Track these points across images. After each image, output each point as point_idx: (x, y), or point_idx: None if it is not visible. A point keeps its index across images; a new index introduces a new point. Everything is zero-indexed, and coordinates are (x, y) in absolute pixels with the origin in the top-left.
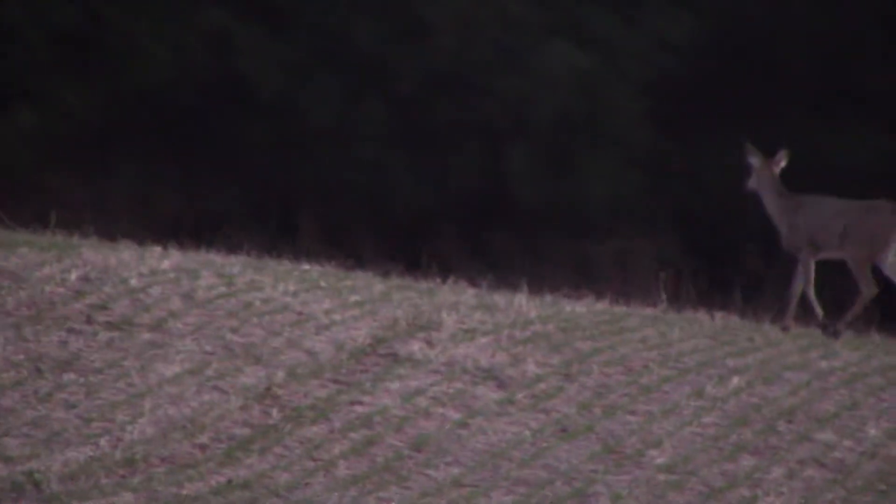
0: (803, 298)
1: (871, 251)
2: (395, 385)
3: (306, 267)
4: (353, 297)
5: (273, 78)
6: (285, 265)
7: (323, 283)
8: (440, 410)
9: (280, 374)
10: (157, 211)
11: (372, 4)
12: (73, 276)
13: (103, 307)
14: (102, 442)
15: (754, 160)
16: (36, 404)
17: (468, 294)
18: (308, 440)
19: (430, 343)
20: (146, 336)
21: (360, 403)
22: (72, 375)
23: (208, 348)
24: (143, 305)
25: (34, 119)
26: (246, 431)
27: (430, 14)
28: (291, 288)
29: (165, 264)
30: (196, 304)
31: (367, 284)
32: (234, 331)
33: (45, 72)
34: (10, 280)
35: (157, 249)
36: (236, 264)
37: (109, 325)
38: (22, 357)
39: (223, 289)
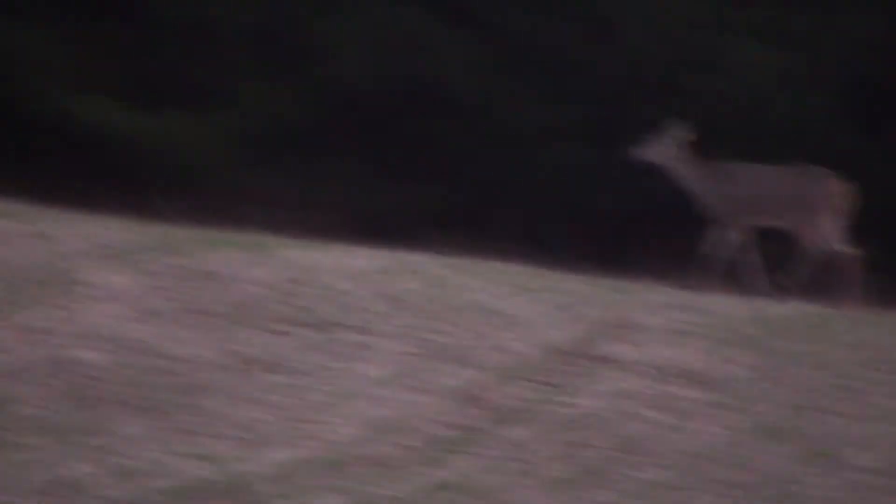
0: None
1: (810, 218)
2: (600, 387)
3: (511, 268)
4: (559, 299)
5: (467, 78)
6: (490, 266)
7: (528, 284)
8: (647, 412)
9: (485, 376)
10: (362, 212)
11: (566, 6)
12: (279, 277)
13: (309, 309)
14: (309, 444)
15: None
16: (243, 406)
17: (674, 295)
18: (513, 442)
19: (636, 344)
20: (352, 337)
21: (566, 405)
22: (278, 377)
23: (413, 350)
24: (349, 307)
25: (233, 119)
26: (451, 433)
27: (622, 14)
28: (496, 289)
29: (370, 265)
30: (400, 305)
31: (572, 286)
32: (438, 332)
33: (243, 72)
34: (216, 281)
35: (363, 250)
36: (441, 265)
37: (315, 327)
38: (228, 359)
39: (428, 290)
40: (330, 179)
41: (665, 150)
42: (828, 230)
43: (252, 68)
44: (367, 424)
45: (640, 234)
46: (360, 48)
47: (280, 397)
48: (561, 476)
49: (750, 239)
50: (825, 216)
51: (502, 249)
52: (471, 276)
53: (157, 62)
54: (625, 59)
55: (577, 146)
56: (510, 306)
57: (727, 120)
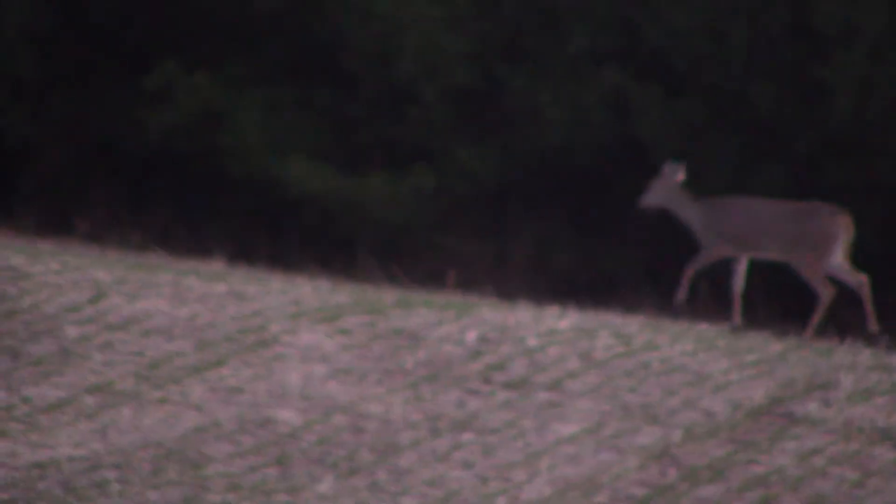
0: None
1: (815, 255)
2: (791, 445)
3: (703, 326)
4: (750, 357)
5: (669, 138)
6: (681, 325)
7: (719, 343)
8: (837, 471)
9: (677, 434)
10: (554, 271)
11: (767, 65)
12: (471, 335)
13: (501, 367)
14: (500, 501)
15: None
16: (434, 464)
17: (865, 354)
18: (705, 500)
19: (826, 403)
20: (543, 396)
21: (757, 463)
22: (469, 435)
23: (606, 408)
24: (541, 365)
25: (432, 179)
26: (643, 491)
27: (829, 75)
28: (688, 347)
29: (563, 324)
30: (593, 363)
31: (763, 344)
32: (631, 390)
33: (443, 132)
34: (409, 339)
35: (555, 309)
36: (633, 324)
37: (507, 385)
38: (420, 416)
39: (620, 348)
40: (525, 239)
41: (665, 192)
42: (836, 263)
43: (453, 130)
44: (558, 483)
45: (836, 295)
46: (562, 109)
47: (470, 455)
48: None
49: (744, 270)
50: (834, 251)
51: (700, 310)
52: (665, 335)
53: (360, 124)
54: (830, 119)
55: None
56: (703, 365)
57: None
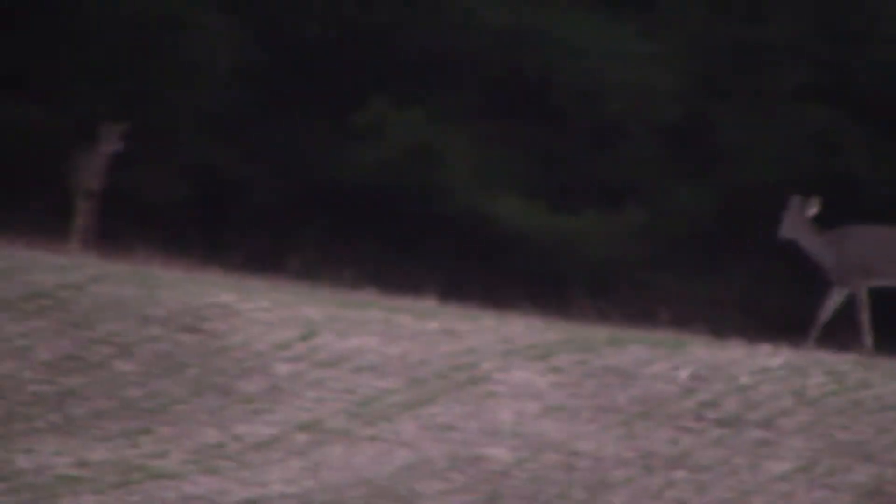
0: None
1: None
2: None
3: None
4: None
5: (880, 176)
6: (894, 362)
7: None
8: None
9: (891, 472)
10: (766, 308)
11: None
12: (684, 373)
13: (713, 404)
14: None
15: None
16: (646, 501)
17: None
18: None
19: None
20: (756, 433)
21: None
22: (682, 473)
23: (818, 445)
24: (753, 403)
25: (644, 216)
26: None
27: None
28: None
29: (775, 362)
30: (806, 401)
31: None
32: (843, 428)
33: (653, 168)
34: (621, 377)
35: (767, 347)
36: (846, 362)
37: (719, 423)
38: (632, 454)
39: (833, 386)
40: (738, 277)
41: (796, 226)
42: None
43: (664, 166)
44: None
45: None
46: (769, 147)
47: (682, 493)
48: None
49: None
50: None
51: None
52: (878, 372)
53: (569, 160)
54: None
55: None
56: None
57: None
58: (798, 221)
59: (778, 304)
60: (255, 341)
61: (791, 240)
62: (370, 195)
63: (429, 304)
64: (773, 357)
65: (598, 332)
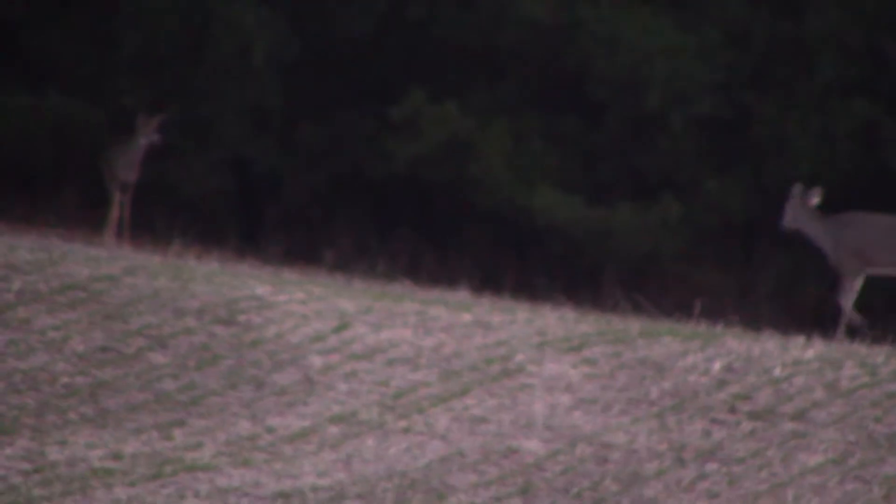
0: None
1: None
2: None
3: None
4: None
5: None
6: None
7: None
8: None
9: None
10: (800, 300)
11: None
12: (717, 365)
13: (746, 397)
14: None
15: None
16: (679, 493)
17: None
18: None
19: None
20: (789, 426)
21: None
22: (714, 465)
23: (851, 438)
24: (787, 395)
25: (679, 209)
26: None
27: None
28: None
29: (809, 354)
30: (839, 393)
31: None
32: (877, 420)
33: (691, 161)
34: (654, 369)
35: (801, 339)
36: (880, 354)
37: (752, 415)
38: (665, 446)
39: (866, 378)
40: (771, 270)
41: (798, 215)
42: None
43: (701, 159)
44: None
45: None
46: (810, 140)
47: (715, 485)
48: None
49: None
50: None
51: None
52: None
53: (606, 153)
54: None
55: None
56: None
57: None
58: (800, 211)
59: (811, 296)
60: (290, 334)
61: (794, 230)
62: (406, 188)
63: (463, 296)
64: (806, 349)
65: (632, 325)
